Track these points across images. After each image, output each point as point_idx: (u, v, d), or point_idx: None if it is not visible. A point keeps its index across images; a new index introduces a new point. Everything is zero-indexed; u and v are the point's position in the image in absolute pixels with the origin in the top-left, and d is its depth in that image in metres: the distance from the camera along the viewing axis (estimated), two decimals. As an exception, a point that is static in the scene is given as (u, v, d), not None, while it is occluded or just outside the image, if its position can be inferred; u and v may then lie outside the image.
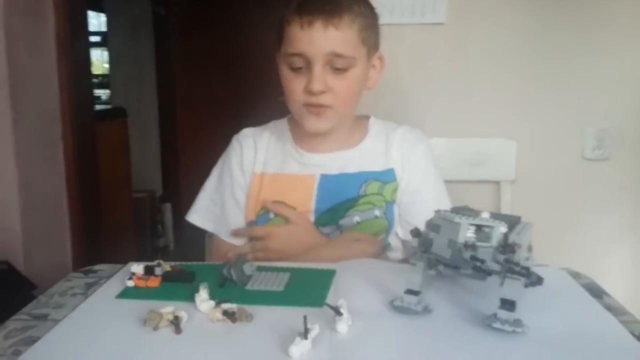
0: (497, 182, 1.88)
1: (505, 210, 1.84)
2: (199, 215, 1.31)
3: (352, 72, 1.13)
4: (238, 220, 1.26)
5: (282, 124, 1.31)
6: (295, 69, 1.13)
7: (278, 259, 1.12)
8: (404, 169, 1.23)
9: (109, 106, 4.48)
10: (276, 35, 1.18)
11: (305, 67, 1.12)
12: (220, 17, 3.99)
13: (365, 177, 1.21)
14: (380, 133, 1.26)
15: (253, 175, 1.25)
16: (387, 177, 1.22)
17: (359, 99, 1.21)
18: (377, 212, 1.20)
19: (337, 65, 1.11)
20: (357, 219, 1.20)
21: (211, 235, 1.33)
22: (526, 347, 0.71)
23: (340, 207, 1.20)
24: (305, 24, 1.08)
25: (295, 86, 1.14)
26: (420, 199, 1.21)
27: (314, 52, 1.09)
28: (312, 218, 1.20)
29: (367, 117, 1.30)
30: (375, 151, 1.24)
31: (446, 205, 1.23)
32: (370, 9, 1.17)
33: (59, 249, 2.29)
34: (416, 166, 1.23)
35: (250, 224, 1.24)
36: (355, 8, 1.11)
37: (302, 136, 1.25)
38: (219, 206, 1.29)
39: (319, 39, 1.08)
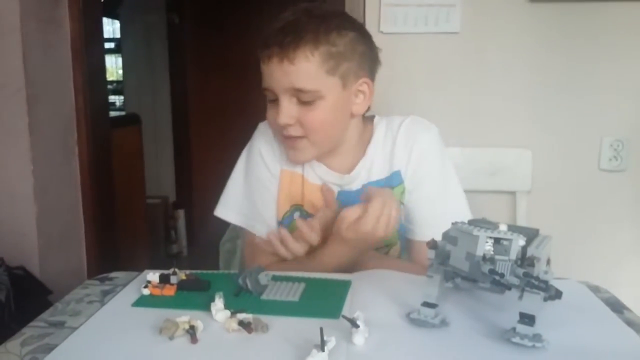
0: (513, 193, 1.87)
1: (521, 220, 1.82)
2: (228, 209, 1.26)
3: (321, 103, 1.09)
4: (272, 212, 1.22)
5: None
6: (270, 102, 1.13)
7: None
8: (407, 164, 1.18)
9: (123, 112, 4.51)
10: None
11: (276, 100, 1.11)
12: (233, 24, 4.01)
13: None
14: (385, 134, 1.21)
15: (282, 171, 1.22)
16: (393, 181, 1.19)
17: (341, 126, 1.16)
18: None
19: (302, 98, 1.08)
20: None
21: (227, 241, 1.32)
22: (545, 362, 0.71)
23: None
24: (265, 58, 1.09)
25: (271, 117, 1.14)
26: (423, 197, 1.18)
27: (276, 87, 1.09)
28: None
29: (372, 118, 1.25)
30: (381, 157, 1.20)
31: (457, 198, 1.20)
32: (344, 37, 1.09)
33: (74, 254, 2.30)
34: (419, 163, 1.18)
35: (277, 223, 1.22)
36: (321, 38, 1.06)
37: None
38: (250, 200, 1.24)
39: (276, 73, 1.07)
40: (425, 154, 1.19)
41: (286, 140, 1.14)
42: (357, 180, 1.19)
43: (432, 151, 1.20)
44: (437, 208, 1.17)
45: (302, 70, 1.06)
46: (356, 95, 1.15)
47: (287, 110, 1.09)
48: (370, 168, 1.19)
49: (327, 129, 1.13)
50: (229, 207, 1.26)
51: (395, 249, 1.22)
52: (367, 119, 1.25)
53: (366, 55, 1.14)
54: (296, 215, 1.20)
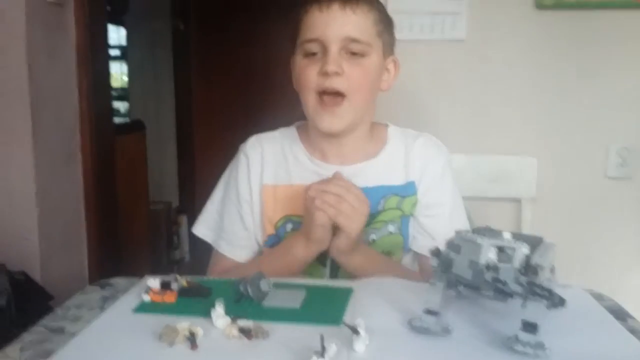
0: (518, 200, 1.87)
1: (526, 228, 1.82)
2: (203, 226, 1.30)
3: (367, 59, 1.13)
4: (240, 235, 1.24)
5: (291, 132, 1.28)
6: (310, 57, 1.13)
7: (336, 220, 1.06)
8: (422, 180, 1.20)
9: (127, 119, 4.52)
10: (292, 34, 1.18)
11: (320, 53, 1.11)
12: (238, 32, 4.02)
13: (384, 192, 1.19)
14: (399, 143, 1.23)
15: (263, 188, 1.22)
16: (407, 190, 1.19)
17: (373, 97, 1.19)
18: (390, 228, 1.18)
19: (354, 49, 1.11)
20: (373, 237, 1.18)
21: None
22: (548, 372, 0.70)
23: None
24: (324, 6, 1.10)
25: (309, 72, 1.12)
26: (437, 213, 1.20)
27: (330, 35, 1.09)
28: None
29: (386, 126, 1.27)
30: (394, 163, 1.21)
31: (463, 221, 1.22)
32: (386, 12, 1.18)
33: (75, 259, 2.30)
34: (435, 179, 1.21)
35: (272, 237, 1.22)
36: (373, 1, 1.14)
37: (315, 145, 1.22)
38: (222, 217, 1.27)
39: (336, 21, 1.09)
40: (439, 175, 1.22)
41: (324, 107, 1.13)
42: (359, 176, 1.17)
43: (447, 173, 1.23)
44: (450, 225, 1.15)
45: (361, 21, 1.11)
46: (384, 71, 1.19)
47: (337, 58, 1.10)
48: (383, 172, 1.20)
49: (366, 91, 1.15)
50: (202, 223, 1.31)
51: (395, 259, 1.21)
52: (380, 125, 1.27)
53: (394, 37, 1.21)
54: (288, 227, 1.20)
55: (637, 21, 1.80)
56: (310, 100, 1.14)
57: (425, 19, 1.83)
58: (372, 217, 1.17)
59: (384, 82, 1.20)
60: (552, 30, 1.83)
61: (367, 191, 1.15)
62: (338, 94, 1.11)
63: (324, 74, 1.10)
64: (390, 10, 1.77)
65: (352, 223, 1.06)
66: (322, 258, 1.17)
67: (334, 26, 1.09)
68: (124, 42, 4.58)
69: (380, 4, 1.18)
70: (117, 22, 4.44)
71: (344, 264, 1.12)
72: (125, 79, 4.68)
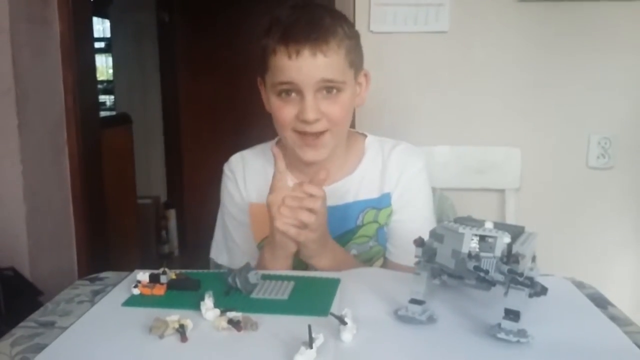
0: (502, 190, 1.88)
1: (510, 218, 1.84)
2: (219, 253, 1.29)
3: (343, 95, 1.11)
4: (250, 242, 1.23)
5: (269, 147, 1.25)
6: (284, 97, 1.11)
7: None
8: (396, 188, 1.21)
9: (113, 112, 4.50)
10: (259, 64, 1.15)
11: (295, 93, 1.09)
12: (224, 24, 4.01)
13: (362, 206, 1.20)
14: (376, 154, 1.23)
15: (250, 206, 1.23)
16: (382, 203, 1.21)
17: (350, 118, 1.19)
18: (371, 243, 1.20)
19: (329, 90, 1.10)
20: (354, 251, 1.19)
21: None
22: (530, 358, 0.72)
23: (339, 240, 1.16)
24: (293, 53, 1.06)
25: (285, 114, 1.11)
26: (406, 219, 1.20)
27: (304, 81, 1.07)
28: None
29: (364, 136, 1.27)
30: (371, 176, 1.22)
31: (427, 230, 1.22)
32: (352, 28, 1.16)
33: (64, 254, 2.30)
34: (407, 186, 1.21)
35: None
36: (339, 31, 1.10)
37: (294, 165, 1.19)
38: (231, 238, 1.27)
39: (308, 67, 1.06)
40: (414, 181, 1.22)
41: (304, 139, 1.12)
42: (338, 194, 1.18)
43: (421, 179, 1.23)
44: (417, 232, 1.16)
45: (334, 62, 1.08)
46: (356, 87, 1.18)
47: (314, 105, 1.08)
48: (360, 187, 1.21)
49: (346, 120, 1.16)
50: (217, 249, 1.30)
51: (377, 264, 1.22)
52: (358, 136, 1.27)
53: (361, 51, 1.18)
54: None
55: (617, 12, 1.82)
56: (289, 137, 1.14)
57: (408, 11, 1.83)
58: (353, 233, 1.18)
59: (358, 97, 1.19)
60: (533, 21, 1.84)
61: (345, 208, 1.17)
62: (319, 133, 1.11)
63: (303, 121, 1.09)
64: (373, 3, 1.79)
65: (313, 231, 1.04)
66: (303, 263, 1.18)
67: (306, 72, 1.07)
68: (108, 34, 4.56)
69: (345, 22, 1.14)
70: (101, 14, 4.41)
71: (313, 266, 1.11)
72: (110, 71, 4.66)
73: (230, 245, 1.27)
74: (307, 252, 1.08)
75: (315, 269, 1.10)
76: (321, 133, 1.11)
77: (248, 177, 1.25)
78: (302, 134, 1.11)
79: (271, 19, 1.12)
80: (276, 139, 1.27)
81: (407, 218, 1.20)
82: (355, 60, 1.14)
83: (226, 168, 1.29)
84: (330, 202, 1.11)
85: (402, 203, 1.21)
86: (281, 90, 1.10)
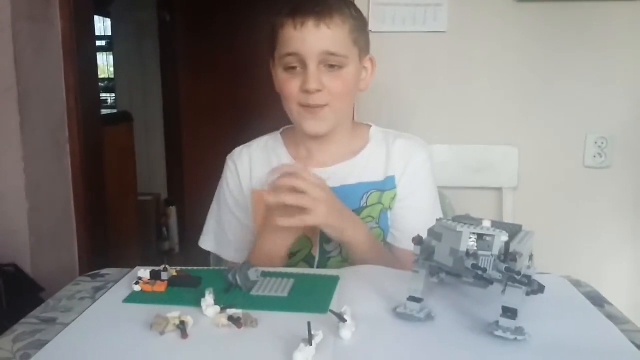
0: (500, 189, 1.89)
1: (508, 217, 1.85)
2: (207, 239, 1.32)
3: (346, 71, 1.15)
4: (241, 237, 1.26)
5: (275, 137, 1.31)
6: (289, 70, 1.15)
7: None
8: (403, 175, 1.23)
9: (114, 110, 4.51)
10: (269, 43, 1.20)
11: (300, 67, 1.14)
12: (225, 23, 4.01)
13: (366, 188, 1.21)
14: (381, 142, 1.26)
15: (253, 192, 1.25)
16: (386, 185, 1.22)
17: (353, 99, 1.23)
18: (372, 223, 1.21)
19: (331, 63, 1.13)
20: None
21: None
22: (528, 355, 0.72)
23: None
24: (298, 24, 1.11)
25: (291, 87, 1.15)
26: (412, 206, 1.22)
27: (308, 52, 1.12)
28: (317, 235, 1.20)
29: (369, 126, 1.30)
30: (376, 161, 1.24)
31: (437, 217, 1.24)
32: (359, 13, 1.20)
33: (65, 251, 2.31)
34: (414, 174, 1.23)
35: None
36: (345, 10, 1.14)
37: (298, 149, 1.26)
38: (220, 226, 1.29)
39: (312, 38, 1.11)
40: (420, 169, 1.24)
41: (307, 110, 1.16)
42: (342, 175, 1.20)
43: (427, 168, 1.26)
44: (424, 220, 1.17)
45: (336, 35, 1.12)
46: (361, 71, 1.21)
47: (317, 75, 1.12)
48: (364, 169, 1.23)
49: (348, 98, 1.20)
50: (207, 236, 1.32)
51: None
52: (363, 126, 1.30)
53: (368, 36, 1.22)
54: None
55: (614, 12, 1.83)
56: (294, 110, 1.18)
57: (407, 11, 1.83)
58: (357, 213, 1.19)
59: (362, 81, 1.23)
60: (531, 21, 1.85)
61: (348, 188, 1.19)
62: (321, 105, 1.15)
63: (306, 91, 1.13)
64: (373, 2, 1.80)
65: (315, 215, 1.04)
66: (309, 259, 1.21)
67: (310, 42, 1.11)
68: (109, 32, 4.56)
69: (352, 6, 1.19)
70: (103, 13, 4.41)
71: (349, 244, 1.11)
72: (112, 69, 4.66)
73: (220, 234, 1.29)
74: (331, 231, 1.09)
75: (355, 253, 1.11)
76: (323, 106, 1.15)
77: (253, 166, 1.27)
78: (305, 106, 1.15)
79: (283, 2, 1.17)
80: (281, 129, 1.32)
81: (413, 205, 1.23)
82: (360, 41, 1.17)
83: (229, 159, 1.31)
84: (335, 183, 1.16)
85: (409, 191, 1.23)
86: (287, 63, 1.15)
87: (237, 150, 1.32)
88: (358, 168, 1.23)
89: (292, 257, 1.21)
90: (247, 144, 1.32)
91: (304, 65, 1.13)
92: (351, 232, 1.10)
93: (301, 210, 1.03)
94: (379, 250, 1.16)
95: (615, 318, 0.84)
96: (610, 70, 1.86)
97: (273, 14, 1.18)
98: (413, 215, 1.21)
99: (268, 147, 1.29)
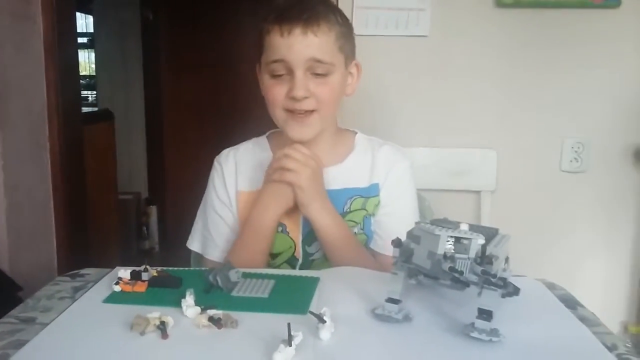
0: (478, 192, 1.91)
1: (485, 219, 1.87)
2: (194, 240, 1.33)
3: (332, 77, 1.16)
4: (225, 236, 1.27)
5: (262, 141, 1.32)
6: (276, 77, 1.16)
7: (291, 183, 1.14)
8: (385, 181, 1.25)
9: (95, 108, 4.47)
10: (256, 48, 1.20)
11: (286, 74, 1.14)
12: (208, 21, 4.00)
13: (350, 194, 1.23)
14: (366, 149, 1.28)
15: (238, 194, 1.26)
16: (371, 192, 1.24)
17: (339, 105, 1.24)
18: (356, 229, 1.22)
19: (318, 71, 1.14)
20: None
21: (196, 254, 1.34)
22: (502, 356, 0.74)
23: None
24: (285, 32, 1.12)
25: (276, 93, 1.16)
26: (394, 213, 1.24)
27: (294, 59, 1.12)
28: (299, 237, 1.22)
29: (354, 133, 1.32)
30: (361, 167, 1.26)
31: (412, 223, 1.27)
32: (345, 19, 1.21)
33: (44, 250, 2.29)
34: (397, 181, 1.26)
35: None
36: (331, 17, 1.15)
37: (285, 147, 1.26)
38: (206, 227, 1.30)
39: (299, 45, 1.12)
40: (402, 177, 1.27)
41: (292, 117, 1.17)
42: (327, 179, 1.21)
43: (408, 177, 1.28)
44: (405, 227, 1.20)
45: (323, 43, 1.13)
46: (347, 77, 1.23)
47: (303, 82, 1.13)
48: (349, 175, 1.24)
49: (334, 104, 1.21)
50: (193, 237, 1.33)
51: None
52: (348, 132, 1.32)
53: (354, 42, 1.23)
54: None
55: (592, 20, 1.86)
56: (279, 115, 1.19)
57: (390, 15, 1.85)
58: None
59: (349, 86, 1.24)
60: (511, 28, 1.88)
61: (333, 193, 1.20)
62: (308, 110, 1.16)
63: (292, 98, 1.14)
64: (356, 6, 1.81)
65: (297, 174, 1.13)
66: (292, 260, 1.22)
67: (297, 50, 1.12)
68: (91, 29, 4.52)
69: (338, 12, 1.20)
70: (84, 10, 4.38)
71: (313, 220, 1.15)
72: (93, 67, 4.62)
73: (205, 234, 1.30)
74: (300, 200, 1.14)
75: (316, 225, 1.15)
76: (309, 112, 1.16)
77: (239, 167, 1.28)
78: (291, 112, 1.16)
79: (269, 7, 1.18)
80: (267, 133, 1.33)
81: (395, 211, 1.25)
82: (346, 47, 1.18)
83: (216, 161, 1.32)
84: None
85: (391, 197, 1.25)
86: (274, 69, 1.15)
87: (224, 152, 1.33)
88: (343, 174, 1.24)
89: (275, 259, 1.22)
90: (235, 146, 1.33)
91: (290, 72, 1.13)
92: (317, 208, 1.15)
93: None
94: (351, 243, 1.18)
95: (588, 320, 0.86)
96: (588, 76, 1.89)
97: (259, 17, 1.19)
98: (394, 222, 1.22)
99: (254, 150, 1.30)
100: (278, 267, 1.22)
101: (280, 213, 1.17)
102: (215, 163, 1.32)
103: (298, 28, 1.11)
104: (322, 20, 1.13)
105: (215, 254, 1.27)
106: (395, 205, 1.25)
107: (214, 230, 1.28)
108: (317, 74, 1.14)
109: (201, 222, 1.32)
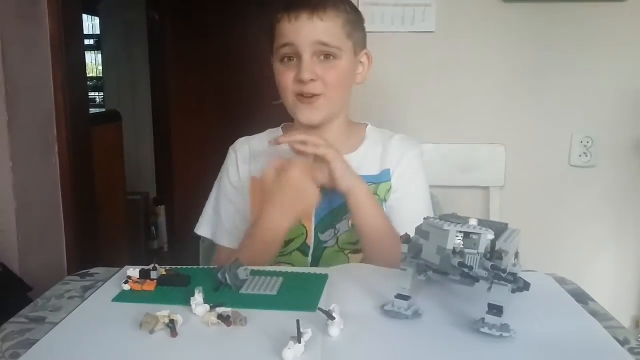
0: (487, 188, 1.90)
1: (495, 215, 1.86)
2: (203, 225, 1.34)
3: (340, 62, 1.19)
4: (238, 225, 1.27)
5: (277, 132, 1.34)
6: (285, 62, 1.19)
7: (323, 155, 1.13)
8: (397, 168, 1.27)
9: (102, 109, 4.48)
10: (268, 39, 1.24)
11: (295, 58, 1.18)
12: (214, 23, 4.00)
13: None
14: (377, 140, 1.31)
15: (251, 180, 1.28)
16: (382, 178, 1.26)
17: (348, 92, 1.26)
18: None
19: (325, 53, 1.17)
20: (352, 222, 1.22)
21: (204, 240, 1.35)
22: (513, 352, 0.73)
23: (339, 212, 1.22)
24: (293, 18, 1.16)
25: (286, 77, 1.19)
26: (407, 195, 1.26)
27: (301, 42, 1.16)
28: (312, 224, 1.23)
29: (365, 125, 1.34)
30: (372, 157, 1.28)
31: (428, 210, 1.28)
32: (355, 9, 1.24)
33: (54, 250, 2.30)
34: (408, 166, 1.28)
35: None
36: (339, 5, 1.19)
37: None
38: (217, 214, 1.31)
39: (306, 29, 1.15)
40: (413, 164, 1.29)
41: (302, 100, 1.19)
42: None
43: (419, 164, 1.31)
44: (419, 207, 1.25)
45: (329, 27, 1.17)
46: (358, 65, 1.26)
47: (311, 66, 1.16)
48: (361, 164, 1.25)
49: (342, 89, 1.23)
50: (202, 223, 1.34)
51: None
52: (360, 125, 1.34)
53: (364, 32, 1.27)
54: None
55: (600, 13, 1.85)
56: (289, 100, 1.21)
57: (396, 11, 1.85)
58: None
59: (359, 75, 1.27)
60: (518, 22, 1.87)
61: None
62: (315, 95, 1.18)
63: (300, 81, 1.17)
64: (361, 2, 1.81)
65: (328, 148, 1.13)
66: (304, 248, 1.22)
67: (303, 33, 1.16)
68: (98, 31, 4.54)
69: (348, 3, 1.23)
70: (91, 12, 4.39)
71: (350, 188, 1.14)
72: (100, 68, 4.64)
73: (215, 220, 1.32)
74: (337, 169, 1.13)
75: (356, 209, 1.15)
76: (317, 96, 1.18)
77: (254, 155, 1.31)
78: (300, 95, 1.19)
79: (279, 3, 1.21)
80: (282, 125, 1.36)
81: (409, 193, 1.27)
82: (354, 35, 1.21)
83: (231, 149, 1.35)
84: None
85: (403, 182, 1.27)
86: (283, 55, 1.19)
87: (240, 140, 1.36)
88: (355, 163, 1.24)
89: (287, 246, 1.22)
90: (250, 136, 1.36)
91: (298, 56, 1.17)
92: (354, 182, 1.15)
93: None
94: (383, 220, 1.17)
95: (599, 315, 0.85)
96: (597, 71, 1.88)
97: (269, 14, 1.22)
98: (409, 203, 1.25)
99: (270, 139, 1.31)
100: (290, 254, 1.22)
101: (297, 218, 1.17)
102: (230, 150, 1.35)
103: (305, 14, 1.15)
104: (329, 6, 1.17)
105: (225, 239, 1.28)
106: (407, 190, 1.27)
107: (226, 218, 1.29)
108: (325, 58, 1.17)
109: (211, 208, 1.33)
